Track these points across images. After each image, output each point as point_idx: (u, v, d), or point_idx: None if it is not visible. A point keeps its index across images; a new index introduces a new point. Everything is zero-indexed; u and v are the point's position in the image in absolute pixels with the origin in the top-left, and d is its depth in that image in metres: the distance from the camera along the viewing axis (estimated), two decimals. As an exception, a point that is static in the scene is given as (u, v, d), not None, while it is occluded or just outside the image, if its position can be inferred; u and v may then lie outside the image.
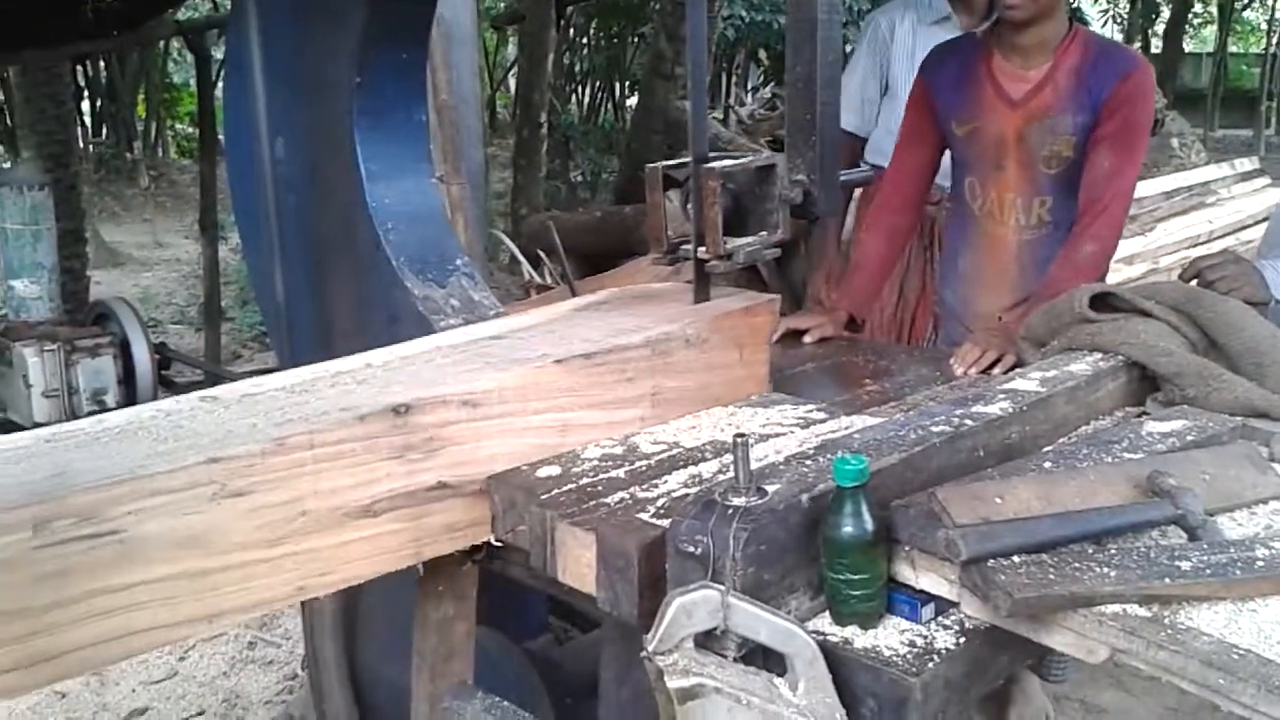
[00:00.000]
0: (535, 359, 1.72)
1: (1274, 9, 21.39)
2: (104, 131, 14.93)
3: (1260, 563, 1.23)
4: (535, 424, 1.69)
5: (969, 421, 1.57)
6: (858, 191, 3.92)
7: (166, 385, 5.19)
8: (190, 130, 15.45)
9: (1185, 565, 1.22)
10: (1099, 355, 1.88)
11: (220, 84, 5.81)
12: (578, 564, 1.46)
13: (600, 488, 1.57)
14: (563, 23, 11.43)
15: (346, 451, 1.47)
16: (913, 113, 2.76)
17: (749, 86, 17.40)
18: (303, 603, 2.53)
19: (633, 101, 14.23)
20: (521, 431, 1.67)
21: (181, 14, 7.74)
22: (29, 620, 1.24)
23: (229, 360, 6.72)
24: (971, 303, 2.77)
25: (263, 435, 1.43)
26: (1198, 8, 23.19)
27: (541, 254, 6.11)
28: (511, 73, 17.74)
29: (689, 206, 2.00)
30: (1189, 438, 1.61)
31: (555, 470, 1.64)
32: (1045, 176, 2.56)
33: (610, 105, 17.35)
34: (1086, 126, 2.49)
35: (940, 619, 1.29)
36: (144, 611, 1.33)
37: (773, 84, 14.61)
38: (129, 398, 4.83)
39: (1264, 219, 7.43)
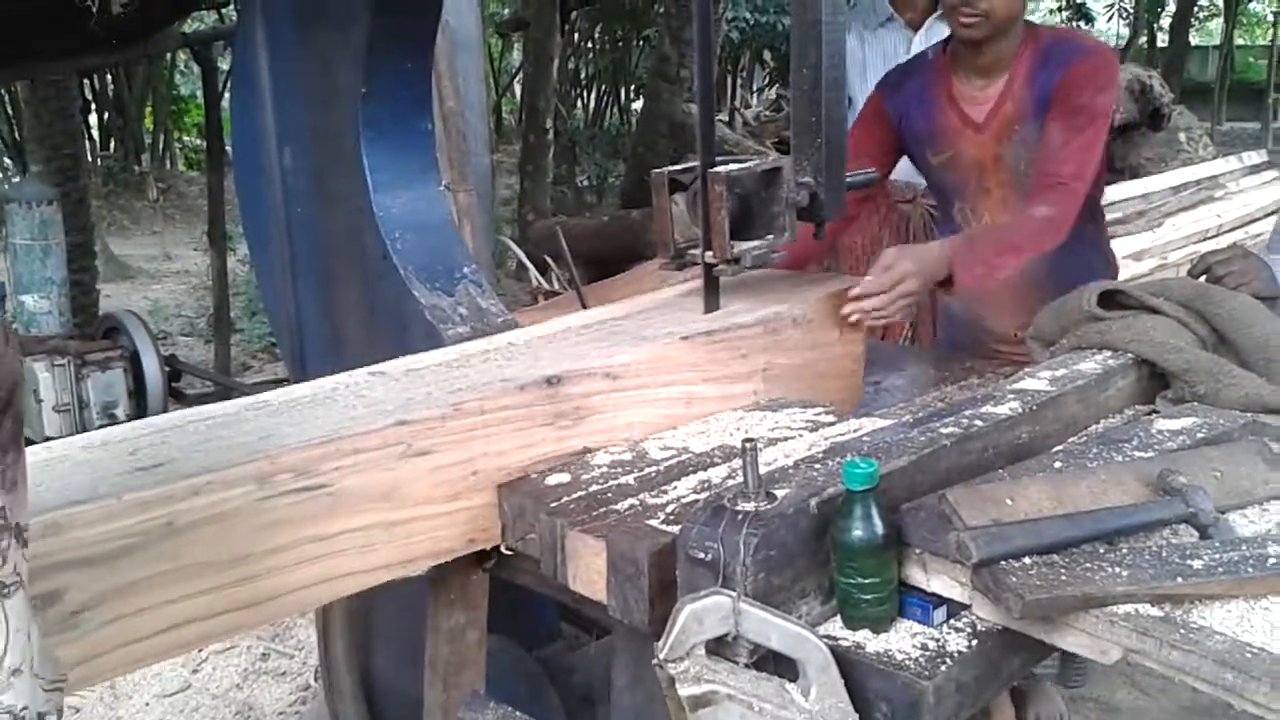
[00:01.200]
0: (663, 336, 1.88)
1: (1280, 0, 21.35)
2: (112, 145, 14.96)
3: (1273, 560, 1.22)
4: (664, 395, 1.83)
5: (978, 422, 1.56)
6: None
7: (176, 397, 5.21)
8: (198, 142, 15.49)
9: (1197, 564, 1.21)
10: (1108, 353, 1.87)
11: (227, 95, 5.83)
12: (588, 571, 1.46)
13: (610, 494, 1.57)
14: (567, 27, 11.45)
15: (510, 418, 1.64)
16: (860, 128, 2.67)
17: (754, 88, 17.41)
18: (317, 613, 2.55)
19: (638, 105, 14.23)
20: (654, 402, 1.82)
21: (188, 26, 7.76)
22: (253, 565, 1.39)
23: (238, 371, 6.74)
24: (985, 320, 2.69)
25: (440, 401, 1.60)
26: (1203, 0, 23.10)
27: (549, 260, 6.12)
28: (517, 79, 17.76)
29: (696, 210, 2.00)
30: (1199, 435, 1.60)
31: (565, 477, 1.64)
32: None
33: (616, 109, 17.35)
34: None
35: (952, 621, 1.29)
36: (346, 557, 1.48)
37: (778, 85, 14.62)
38: (139, 410, 4.85)
39: (1273, 212, 7.42)
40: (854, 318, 2.12)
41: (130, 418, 4.53)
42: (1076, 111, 2.38)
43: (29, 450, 1.32)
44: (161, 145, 15.66)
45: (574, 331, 1.96)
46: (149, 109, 15.23)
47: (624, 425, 1.78)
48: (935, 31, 3.60)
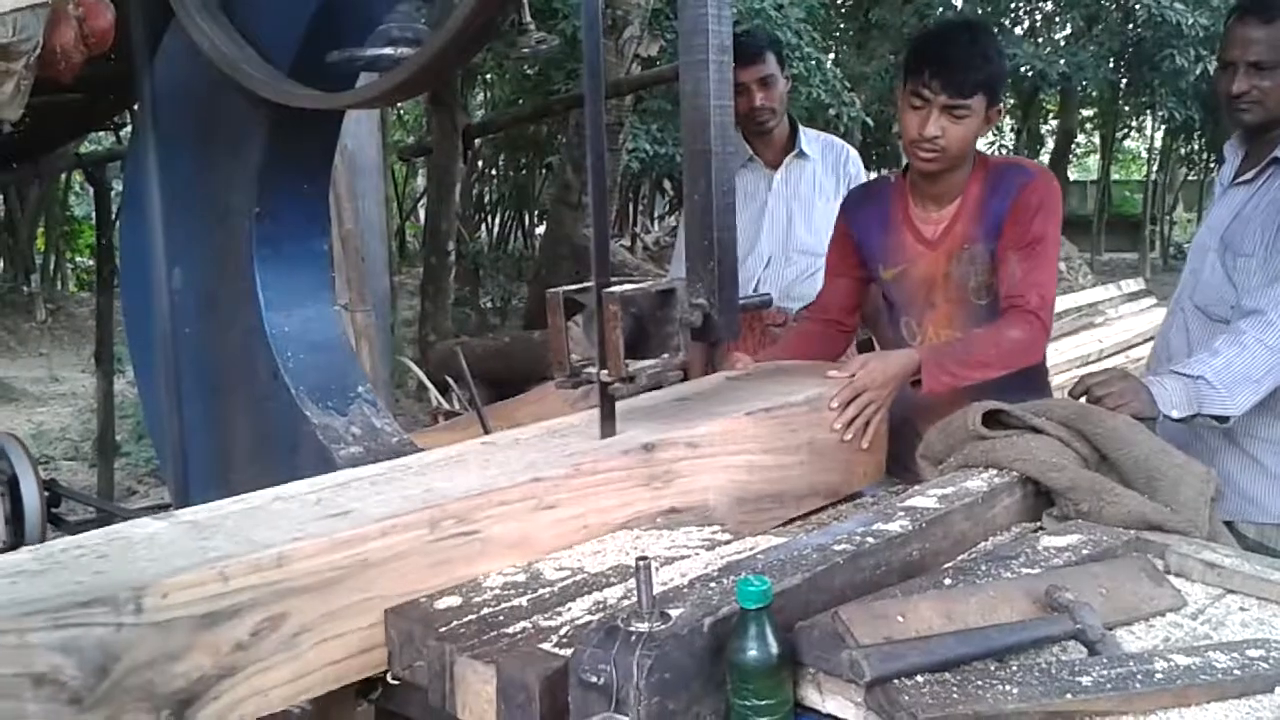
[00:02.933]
0: (730, 411, 2.10)
1: (1152, 138, 22.55)
2: (1, 265, 14.61)
3: (1159, 675, 1.24)
4: (731, 464, 2.04)
5: (870, 539, 1.57)
6: None
7: (56, 523, 4.98)
8: (90, 263, 15.18)
9: (1086, 680, 1.22)
10: (994, 471, 1.91)
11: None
12: (478, 699, 1.41)
13: (502, 617, 1.53)
14: (470, 154, 11.60)
15: (614, 478, 1.83)
16: (835, 251, 2.86)
17: (654, 215, 17.81)
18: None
19: (541, 229, 14.42)
20: (725, 469, 2.03)
21: (84, 147, 7.67)
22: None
23: (123, 496, 6.49)
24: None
25: (561, 462, 1.80)
26: (1080, 138, 24.36)
27: (450, 380, 6.08)
28: (421, 202, 17.89)
29: (593, 330, 2.01)
30: (1085, 552, 1.63)
31: (455, 600, 1.59)
32: (978, 307, 2.61)
33: (520, 233, 17.54)
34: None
35: (848, 743, 1.27)
36: None
37: (677, 212, 14.97)
38: (16, 537, 4.62)
39: (1151, 337, 7.74)
40: (836, 425, 2.28)
41: (7, 545, 4.31)
42: (1030, 240, 2.52)
43: (225, 502, 1.63)
44: (53, 266, 15.33)
45: (645, 409, 2.16)
46: (41, 229, 14.94)
47: (700, 488, 1.97)
48: (794, 170, 3.75)
